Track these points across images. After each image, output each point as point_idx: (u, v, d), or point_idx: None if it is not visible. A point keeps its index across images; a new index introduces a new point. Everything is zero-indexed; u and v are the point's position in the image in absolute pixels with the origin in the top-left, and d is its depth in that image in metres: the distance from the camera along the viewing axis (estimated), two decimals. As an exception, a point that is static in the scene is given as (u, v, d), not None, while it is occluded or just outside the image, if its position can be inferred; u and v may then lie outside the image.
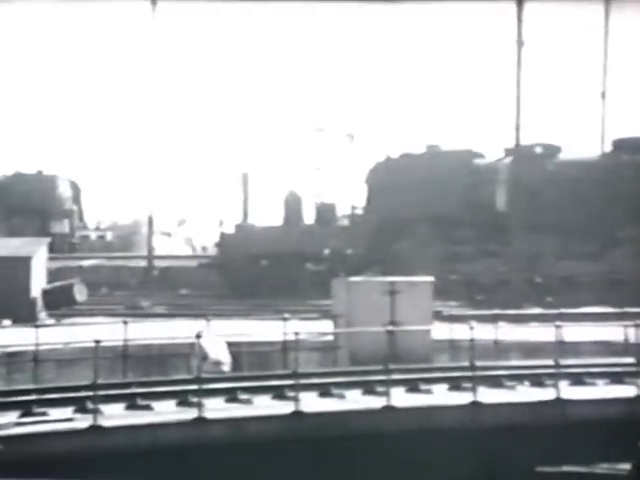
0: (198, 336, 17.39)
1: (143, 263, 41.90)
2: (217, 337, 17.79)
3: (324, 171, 44.16)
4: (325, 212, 39.24)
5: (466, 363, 16.80)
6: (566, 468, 16.31)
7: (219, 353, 17.55)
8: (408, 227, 36.01)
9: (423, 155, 37.61)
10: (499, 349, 19.91)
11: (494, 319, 20.66)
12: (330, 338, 21.00)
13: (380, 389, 15.78)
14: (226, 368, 17.65)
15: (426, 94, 70.45)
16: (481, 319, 19.65)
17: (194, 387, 14.93)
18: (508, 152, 36.05)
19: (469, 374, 16.27)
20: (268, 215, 41.31)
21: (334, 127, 45.14)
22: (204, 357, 17.21)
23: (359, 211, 38.89)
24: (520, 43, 34.38)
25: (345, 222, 39.41)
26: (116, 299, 35.79)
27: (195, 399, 14.66)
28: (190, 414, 14.37)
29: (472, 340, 16.83)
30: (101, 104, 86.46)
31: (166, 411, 14.74)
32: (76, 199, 49.33)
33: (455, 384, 16.62)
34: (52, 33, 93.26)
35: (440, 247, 35.31)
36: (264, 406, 15.30)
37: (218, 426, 14.38)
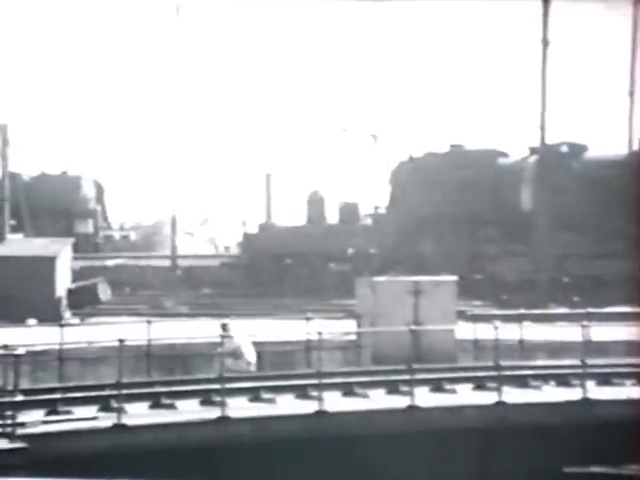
0: (224, 327, 17.35)
1: (166, 263, 42.00)
2: (245, 335, 17.76)
3: (347, 171, 44.15)
4: (348, 212, 39.18)
5: (491, 363, 16.70)
6: (594, 469, 16.18)
7: (247, 351, 17.53)
8: (432, 227, 35.88)
9: (447, 154, 37.47)
10: (524, 349, 19.77)
11: (519, 319, 20.52)
12: (353, 337, 20.94)
13: (404, 389, 15.71)
14: (253, 367, 17.64)
15: (450, 93, 70.25)
16: (506, 319, 19.54)
17: (217, 386, 14.93)
18: (533, 151, 35.84)
19: (494, 374, 16.17)
20: (291, 215, 41.34)
21: (357, 127, 45.11)
22: (238, 355, 17.18)
23: (382, 211, 38.80)
24: (545, 42, 34.19)
25: (368, 222, 39.34)
26: (139, 299, 35.88)
27: (218, 398, 14.65)
28: (213, 413, 14.36)
29: (497, 340, 16.73)
30: (125, 104, 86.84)
31: (189, 410, 14.74)
32: (100, 199, 49.53)
33: (480, 384, 16.52)
34: (75, 34, 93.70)
35: (464, 247, 35.16)
36: (287, 405, 15.27)
37: (241, 425, 14.37)
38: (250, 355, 17.64)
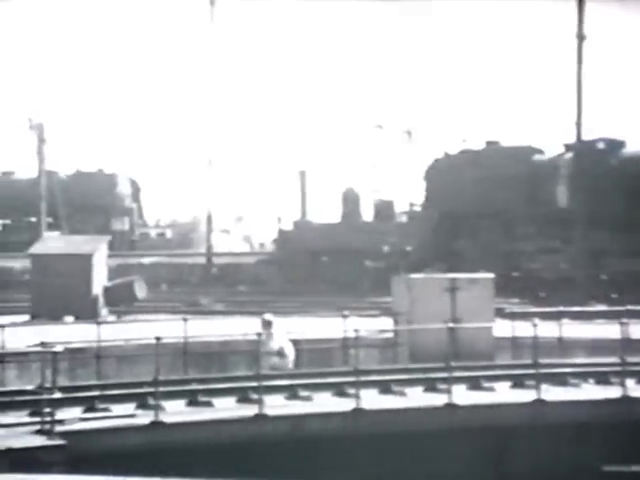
0: (266, 322, 17.28)
1: (202, 260, 42.15)
2: (283, 332, 17.73)
3: (382, 168, 44.04)
4: (384, 209, 39.10)
5: (529, 361, 16.55)
6: (634, 468, 15.98)
7: (287, 348, 17.50)
8: (468, 224, 35.71)
9: (483, 151, 37.28)
10: (563, 346, 19.59)
11: (558, 316, 20.33)
12: (390, 335, 20.86)
13: (441, 386, 15.61)
14: (291, 365, 17.62)
15: (486, 90, 69.89)
16: (544, 316, 19.34)
17: (254, 384, 14.91)
18: (569, 148, 35.56)
19: (532, 372, 16.04)
20: (326, 212, 41.31)
21: (392, 124, 44.97)
22: (282, 352, 17.16)
23: (418, 208, 38.67)
24: (581, 37, 33.87)
25: (404, 219, 39.23)
26: (176, 296, 36.02)
27: (255, 396, 14.63)
28: (250, 411, 14.34)
29: (535, 337, 16.59)
30: (161, 102, 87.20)
31: (226, 408, 14.74)
32: (136, 197, 49.82)
33: (518, 382, 16.39)
34: (110, 32, 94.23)
35: (501, 244, 34.96)
36: (325, 403, 15.22)
37: (279, 423, 14.34)
38: (289, 352, 17.61)
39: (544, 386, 15.70)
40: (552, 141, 37.13)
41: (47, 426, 13.00)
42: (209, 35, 42.33)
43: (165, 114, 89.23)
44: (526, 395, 15.60)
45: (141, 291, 31.74)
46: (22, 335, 20.75)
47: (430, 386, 15.96)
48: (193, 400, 14.91)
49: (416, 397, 15.68)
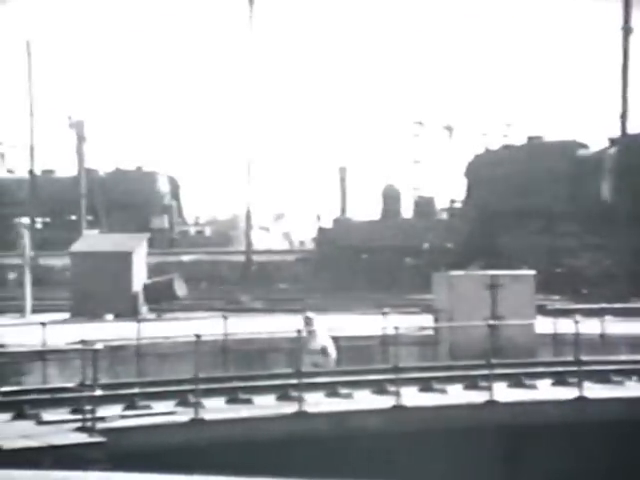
0: (307, 320, 17.26)
1: (241, 258, 42.21)
2: (324, 330, 17.69)
3: (422, 164, 43.84)
4: (424, 206, 38.93)
5: (571, 358, 16.36)
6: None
7: (328, 346, 17.46)
8: (510, 220, 35.44)
9: (525, 146, 36.97)
10: (606, 343, 19.38)
11: (600, 313, 20.12)
12: (430, 332, 20.76)
13: (482, 384, 15.49)
14: (333, 363, 17.57)
15: (528, 84, 69.26)
16: (586, 313, 19.15)
17: (294, 381, 14.88)
18: (613, 142, 35.14)
19: (574, 369, 15.86)
20: (366, 209, 41.22)
21: (432, 120, 44.75)
22: (323, 351, 17.12)
23: (459, 204, 38.46)
24: (627, 30, 33.45)
25: (444, 216, 39.04)
26: (215, 294, 36.09)
27: (295, 393, 14.60)
28: (290, 408, 14.31)
29: (577, 334, 16.40)
30: (200, 100, 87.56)
31: (266, 405, 14.72)
32: (175, 194, 50.01)
33: (560, 379, 16.22)
34: (150, 30, 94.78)
35: (543, 240, 34.65)
36: (365, 400, 15.16)
37: (319, 420, 14.30)
38: (330, 349, 17.56)
39: (586, 384, 15.52)
40: (596, 135, 36.77)
41: (88, 423, 13.05)
42: (249, 32, 42.39)
43: (205, 111, 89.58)
44: (568, 392, 15.44)
45: (180, 289, 31.82)
46: (63, 333, 20.90)
47: (471, 383, 15.84)
48: (233, 398, 14.91)
49: (457, 394, 15.57)
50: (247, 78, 43.00)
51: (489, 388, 15.05)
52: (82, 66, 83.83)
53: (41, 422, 13.41)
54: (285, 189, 59.70)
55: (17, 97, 46.92)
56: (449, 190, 41.86)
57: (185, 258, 41.32)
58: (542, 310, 22.16)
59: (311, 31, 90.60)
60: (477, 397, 15.16)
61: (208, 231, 50.86)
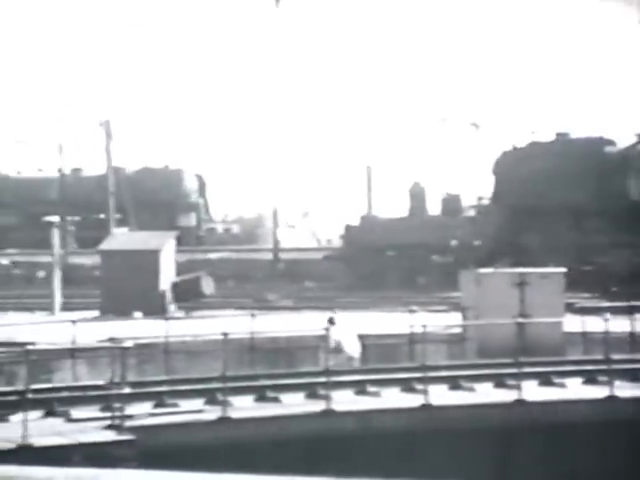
0: (331, 321, 17.26)
1: (269, 256, 42.22)
2: (349, 328, 17.66)
3: (449, 161, 43.66)
4: (451, 203, 38.76)
5: (601, 356, 16.22)
6: None
7: (351, 345, 17.42)
8: (538, 217, 35.20)
9: (552, 143, 36.71)
10: (635, 342, 19.20)
11: (629, 311, 19.93)
12: (458, 330, 20.66)
13: (511, 382, 15.39)
14: (356, 362, 17.52)
15: (555, 80, 68.78)
16: (616, 311, 18.98)
17: (322, 380, 14.85)
18: (641, 138, 34.86)
19: (604, 367, 15.72)
20: (393, 207, 41.09)
21: (458, 117, 44.54)
22: (338, 350, 17.09)
23: (486, 201, 38.26)
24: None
25: (471, 213, 38.85)
26: (243, 291, 36.12)
27: (323, 391, 14.57)
28: (318, 406, 14.28)
29: (607, 332, 16.26)
30: (227, 98, 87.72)
31: (294, 403, 14.70)
32: (202, 193, 50.09)
33: (590, 377, 16.09)
34: (177, 28, 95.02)
35: (571, 237, 34.39)
36: (393, 399, 15.11)
37: (347, 418, 14.26)
38: (354, 349, 17.52)
39: (617, 382, 15.38)
40: (624, 132, 36.43)
41: (117, 421, 13.10)
42: (275, 29, 42.40)
43: (232, 109, 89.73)
44: (598, 391, 15.31)
45: (208, 287, 31.88)
46: (92, 330, 21.00)
47: (499, 382, 15.75)
48: (261, 396, 14.90)
49: (485, 392, 15.48)
50: (274, 76, 43.03)
51: (518, 387, 14.95)
52: (110, 65, 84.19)
53: (71, 420, 13.48)
54: (312, 187, 59.68)
55: (46, 97, 47.19)
56: (476, 187, 41.66)
57: (212, 256, 41.39)
58: (571, 308, 22.00)
59: (337, 29, 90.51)
60: (506, 396, 15.07)
61: (235, 229, 50.92)
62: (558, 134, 37.04)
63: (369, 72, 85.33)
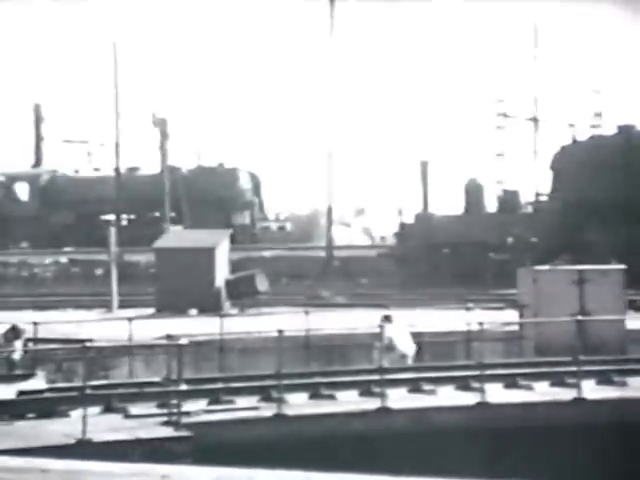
0: (386, 318, 17.17)
1: (322, 253, 42.20)
2: (403, 326, 17.56)
3: (506, 157, 43.19)
4: (508, 199, 38.32)
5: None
6: None
7: (405, 343, 17.32)
8: (598, 213, 34.59)
9: (614, 137, 35.99)
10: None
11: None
12: (515, 328, 20.43)
13: (570, 381, 15.18)
14: (410, 360, 17.41)
15: (618, 71, 67.77)
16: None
17: (376, 377, 14.79)
18: None
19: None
20: (448, 204, 40.77)
21: (516, 111, 44.03)
22: (391, 347, 17.00)
23: (544, 198, 37.75)
24: None
25: (529, 209, 38.37)
26: (297, 289, 36.14)
27: (378, 389, 14.51)
28: (373, 404, 14.22)
29: (669, 330, 15.97)
30: (280, 95, 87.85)
31: (349, 401, 14.65)
32: (256, 191, 50.21)
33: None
34: (233, 29, 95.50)
35: (633, 234, 33.76)
36: (448, 397, 14.99)
37: (401, 416, 14.18)
38: (407, 347, 17.41)
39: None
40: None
41: (174, 418, 13.16)
42: (330, 27, 42.32)
43: (285, 107, 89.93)
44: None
45: (262, 284, 31.91)
46: (148, 328, 21.14)
47: (558, 380, 15.54)
48: (316, 393, 14.87)
49: (542, 391, 15.30)
50: (328, 72, 42.95)
51: (577, 385, 14.73)
52: (165, 64, 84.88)
53: (128, 416, 13.57)
54: (366, 184, 59.55)
55: (103, 97, 47.68)
56: (534, 183, 41.19)
57: (266, 254, 41.47)
58: (633, 305, 21.66)
59: (394, 23, 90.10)
60: (564, 394, 14.86)
61: (289, 227, 50.98)
62: (621, 127, 36.26)
63: (426, 67, 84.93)
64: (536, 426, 14.36)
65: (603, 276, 20.21)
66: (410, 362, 17.54)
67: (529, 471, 14.32)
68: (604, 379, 15.75)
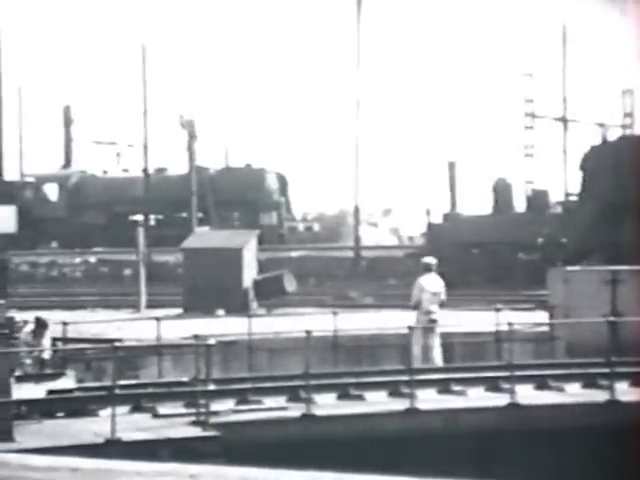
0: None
1: (350, 254, 42.11)
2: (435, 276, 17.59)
3: (535, 157, 42.89)
4: (537, 199, 38.04)
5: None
6: None
7: (435, 285, 17.35)
8: (629, 213, 34.24)
9: (645, 136, 35.60)
10: None
11: None
12: (545, 329, 20.26)
13: (602, 382, 15.01)
14: (438, 360, 17.32)
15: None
16: None
17: (405, 378, 14.70)
18: None
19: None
20: (477, 204, 40.55)
21: (545, 109, 43.73)
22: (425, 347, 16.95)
23: (574, 198, 37.45)
24: None
25: (559, 209, 38.08)
26: (324, 289, 36.07)
27: (407, 390, 14.41)
28: (402, 405, 14.13)
29: None
30: (307, 96, 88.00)
31: (378, 401, 14.57)
32: (283, 191, 50.22)
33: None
34: (257, 30, 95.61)
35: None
36: (478, 398, 14.87)
37: (431, 417, 14.08)
38: (438, 287, 17.45)
39: None
40: None
41: (202, 417, 13.13)
42: (356, 26, 42.25)
43: (313, 106, 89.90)
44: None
45: (290, 284, 31.86)
46: (176, 328, 21.14)
47: (589, 382, 15.37)
48: (344, 394, 14.80)
49: (574, 393, 15.14)
50: (355, 73, 42.87)
51: (610, 387, 14.57)
52: (194, 65, 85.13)
53: (156, 415, 13.55)
54: (394, 184, 59.37)
55: (132, 98, 47.84)
56: (564, 183, 40.84)
57: (294, 254, 41.43)
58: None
59: (423, 24, 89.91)
60: (597, 396, 14.70)
61: (316, 227, 50.94)
62: (651, 126, 35.93)
63: (455, 66, 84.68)
64: (568, 428, 14.21)
65: (636, 276, 19.97)
66: (439, 361, 17.47)
67: (560, 473, 14.18)
68: (637, 381, 15.56)
